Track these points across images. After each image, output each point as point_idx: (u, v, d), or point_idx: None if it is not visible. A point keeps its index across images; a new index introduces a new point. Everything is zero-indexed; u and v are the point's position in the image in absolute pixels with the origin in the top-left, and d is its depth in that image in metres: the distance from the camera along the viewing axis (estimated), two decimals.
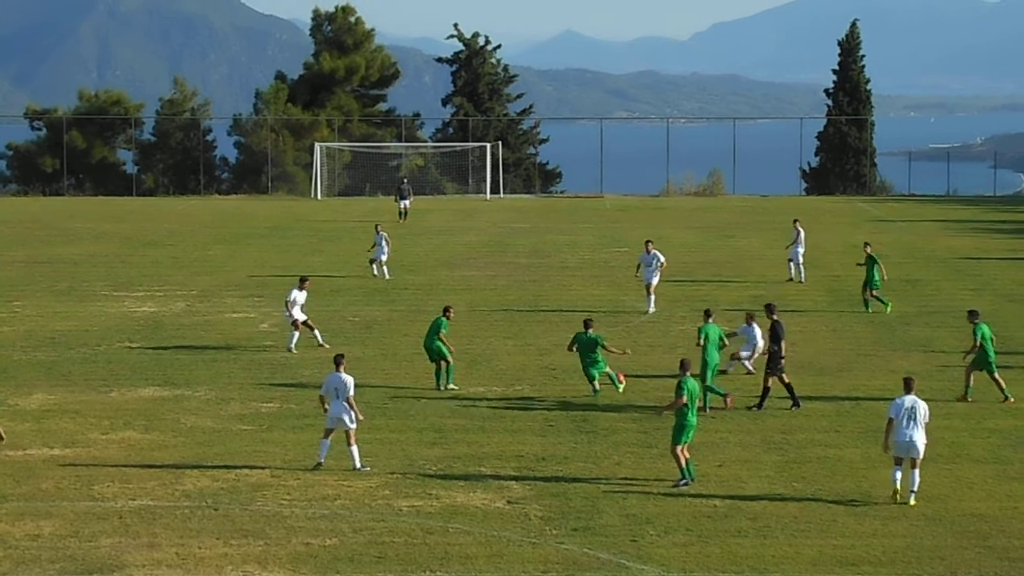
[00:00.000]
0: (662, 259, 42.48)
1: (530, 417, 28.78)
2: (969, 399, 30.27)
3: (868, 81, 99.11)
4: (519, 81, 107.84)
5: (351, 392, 24.66)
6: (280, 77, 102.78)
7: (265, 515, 22.17)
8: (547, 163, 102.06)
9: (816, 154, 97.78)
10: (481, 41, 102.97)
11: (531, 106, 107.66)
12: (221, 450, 26.07)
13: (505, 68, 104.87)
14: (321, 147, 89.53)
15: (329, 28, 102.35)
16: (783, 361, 29.52)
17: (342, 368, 24.84)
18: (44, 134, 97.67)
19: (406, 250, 58.00)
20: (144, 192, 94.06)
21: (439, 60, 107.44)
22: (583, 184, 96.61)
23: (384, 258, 49.96)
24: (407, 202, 74.15)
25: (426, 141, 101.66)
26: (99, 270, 52.18)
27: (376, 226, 52.33)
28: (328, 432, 24.86)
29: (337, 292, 45.94)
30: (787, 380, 29.44)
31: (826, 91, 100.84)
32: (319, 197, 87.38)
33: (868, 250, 42.76)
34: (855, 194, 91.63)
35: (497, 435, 27.14)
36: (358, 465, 24.59)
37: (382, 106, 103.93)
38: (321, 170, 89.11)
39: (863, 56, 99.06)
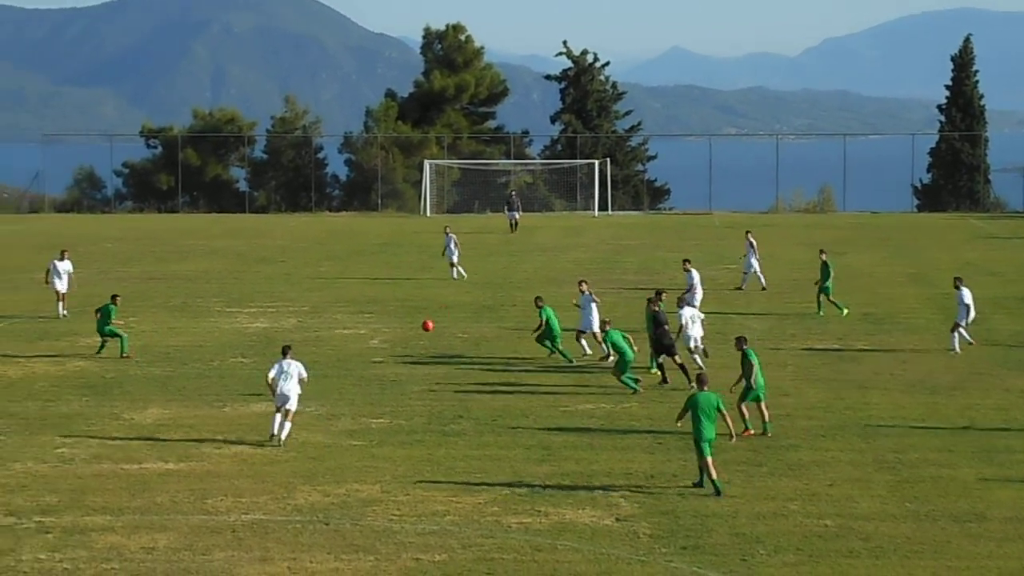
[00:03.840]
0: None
1: (639, 434, 28.72)
2: None
3: (982, 97, 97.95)
4: (627, 98, 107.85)
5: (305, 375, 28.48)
6: (390, 95, 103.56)
7: (375, 530, 22.32)
8: (655, 180, 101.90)
9: (928, 170, 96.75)
10: (590, 58, 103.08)
11: (639, 123, 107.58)
12: (332, 465, 26.28)
13: (614, 85, 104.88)
14: (430, 164, 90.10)
15: (439, 46, 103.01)
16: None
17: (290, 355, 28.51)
18: (160, 152, 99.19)
19: (515, 267, 58.17)
20: (256, 209, 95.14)
21: (548, 77, 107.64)
22: (691, 201, 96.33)
23: (455, 259, 52.39)
24: (517, 215, 74.80)
25: (534, 158, 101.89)
26: (212, 286, 52.85)
27: (445, 228, 54.27)
28: (278, 409, 27.98)
29: (446, 309, 46.15)
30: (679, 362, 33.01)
31: (939, 107, 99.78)
32: (428, 214, 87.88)
33: (823, 257, 44.54)
34: (968, 211, 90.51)
35: (606, 452, 27.12)
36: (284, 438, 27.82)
37: (491, 123, 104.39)
38: (430, 187, 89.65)
39: (976, 71, 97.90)
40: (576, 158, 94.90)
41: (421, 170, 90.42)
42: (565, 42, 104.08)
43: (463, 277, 53.54)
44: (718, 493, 24.13)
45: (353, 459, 26.75)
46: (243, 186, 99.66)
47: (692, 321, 35.02)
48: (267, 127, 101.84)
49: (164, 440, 28.32)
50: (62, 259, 45.33)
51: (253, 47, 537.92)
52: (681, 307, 35.74)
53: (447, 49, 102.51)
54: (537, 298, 37.20)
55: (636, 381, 32.54)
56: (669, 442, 27.95)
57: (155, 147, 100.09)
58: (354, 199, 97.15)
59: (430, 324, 33.84)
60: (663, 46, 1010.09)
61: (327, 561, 20.89)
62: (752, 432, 28.16)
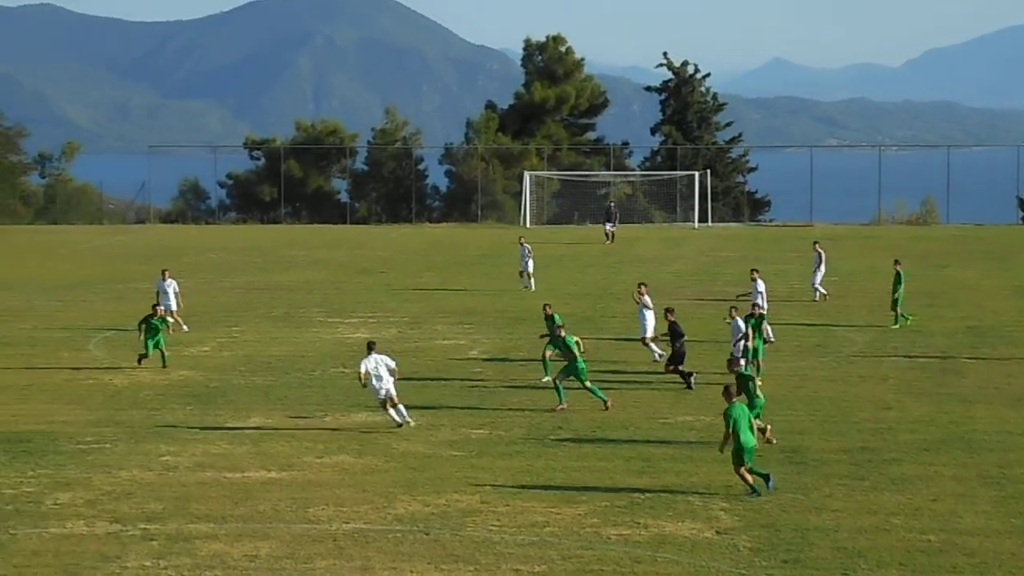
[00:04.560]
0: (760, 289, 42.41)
1: None
2: None
3: None
4: (728, 109, 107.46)
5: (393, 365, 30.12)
6: (491, 106, 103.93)
7: (475, 541, 22.39)
8: (755, 191, 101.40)
9: None
10: (690, 70, 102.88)
11: (740, 134, 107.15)
12: (432, 475, 26.40)
13: (714, 96, 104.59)
14: (530, 176, 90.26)
15: (540, 58, 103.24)
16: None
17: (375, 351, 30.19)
18: (263, 163, 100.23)
19: (614, 278, 58.12)
20: (357, 220, 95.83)
21: (648, 89, 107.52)
22: (792, 212, 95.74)
23: (530, 269, 52.92)
24: (613, 225, 74.96)
25: (634, 169, 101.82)
26: (314, 296, 53.28)
27: (520, 238, 54.69)
28: (383, 404, 29.87)
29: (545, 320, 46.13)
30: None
31: None
32: (528, 225, 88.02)
33: (897, 267, 44.76)
34: None
35: (706, 465, 27.01)
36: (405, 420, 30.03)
37: (591, 135, 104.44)
38: (530, 198, 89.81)
39: None
40: (676, 169, 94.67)
41: (521, 181, 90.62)
42: (665, 53, 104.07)
43: (530, 288, 53.80)
44: (757, 492, 24.60)
45: (453, 469, 26.85)
46: (344, 197, 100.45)
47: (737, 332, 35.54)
48: (368, 139, 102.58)
49: (266, 449, 28.60)
50: (164, 278, 45.58)
51: (355, 59, 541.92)
52: (735, 317, 35.96)
53: (547, 61, 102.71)
54: (546, 305, 37.53)
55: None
56: (769, 454, 27.78)
57: (258, 158, 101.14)
58: (454, 210, 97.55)
59: None
60: (764, 57, 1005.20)
61: (427, 571, 20.98)
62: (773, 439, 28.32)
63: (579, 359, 32.00)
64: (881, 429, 29.72)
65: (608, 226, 76.14)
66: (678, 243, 76.14)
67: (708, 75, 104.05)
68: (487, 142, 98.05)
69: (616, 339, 41.70)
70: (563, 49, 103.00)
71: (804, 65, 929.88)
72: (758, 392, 28.17)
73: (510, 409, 32.24)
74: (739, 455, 24.73)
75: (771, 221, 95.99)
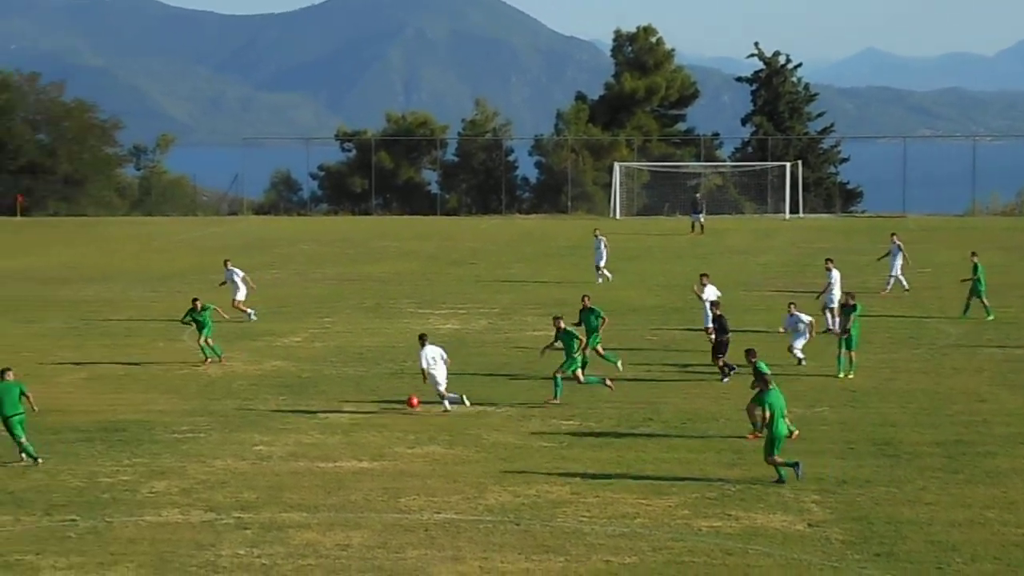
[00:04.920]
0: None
1: (830, 439, 28.42)
2: None
3: None
4: (819, 99, 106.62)
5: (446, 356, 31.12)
6: (580, 97, 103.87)
7: (565, 531, 22.43)
8: (847, 182, 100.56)
9: None
10: (782, 60, 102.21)
11: (831, 125, 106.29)
12: (522, 466, 26.46)
13: (806, 86, 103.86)
14: (620, 167, 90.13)
15: (630, 48, 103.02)
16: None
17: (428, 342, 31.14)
18: (354, 155, 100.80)
19: (704, 269, 57.80)
20: (448, 211, 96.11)
21: (739, 79, 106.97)
22: (885, 203, 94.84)
23: (602, 263, 52.81)
24: (701, 216, 74.84)
25: (724, 160, 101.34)
26: (405, 287, 53.53)
27: (595, 231, 54.76)
28: (439, 394, 30.90)
29: (635, 311, 46.15)
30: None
31: None
32: (618, 216, 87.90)
33: (974, 259, 44.35)
34: None
35: (797, 456, 26.85)
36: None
37: (681, 126, 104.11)
38: (620, 190, 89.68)
39: None
40: (767, 160, 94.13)
41: (611, 172, 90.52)
42: (757, 44, 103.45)
43: (607, 278, 53.67)
44: (783, 480, 24.89)
45: (543, 460, 26.91)
46: (435, 188, 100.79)
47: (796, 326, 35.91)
48: (458, 130, 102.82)
49: (358, 439, 28.80)
50: (228, 268, 45.93)
51: (445, 51, 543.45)
52: (793, 312, 36.18)
53: (638, 51, 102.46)
54: (584, 296, 36.94)
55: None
56: (862, 447, 27.62)
57: (349, 150, 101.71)
58: (544, 201, 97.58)
59: (415, 401, 32.49)
60: (857, 46, 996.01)
61: (518, 561, 21.05)
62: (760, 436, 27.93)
63: (576, 354, 32.01)
64: (975, 422, 29.45)
65: (695, 217, 75.98)
66: (768, 234, 75.72)
67: (799, 65, 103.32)
68: (577, 133, 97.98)
69: (705, 330, 41.46)
70: (653, 40, 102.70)
71: (897, 54, 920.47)
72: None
73: (600, 401, 32.23)
74: (772, 444, 24.94)
75: (863, 212, 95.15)
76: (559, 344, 32.94)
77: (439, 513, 23.48)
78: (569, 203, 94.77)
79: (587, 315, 35.21)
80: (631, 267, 57.93)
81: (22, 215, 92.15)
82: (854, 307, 35.24)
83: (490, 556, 21.24)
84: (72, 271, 60.26)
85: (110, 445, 28.32)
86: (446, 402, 31.17)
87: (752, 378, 27.78)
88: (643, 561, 21.01)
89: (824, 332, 39.04)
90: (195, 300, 37.92)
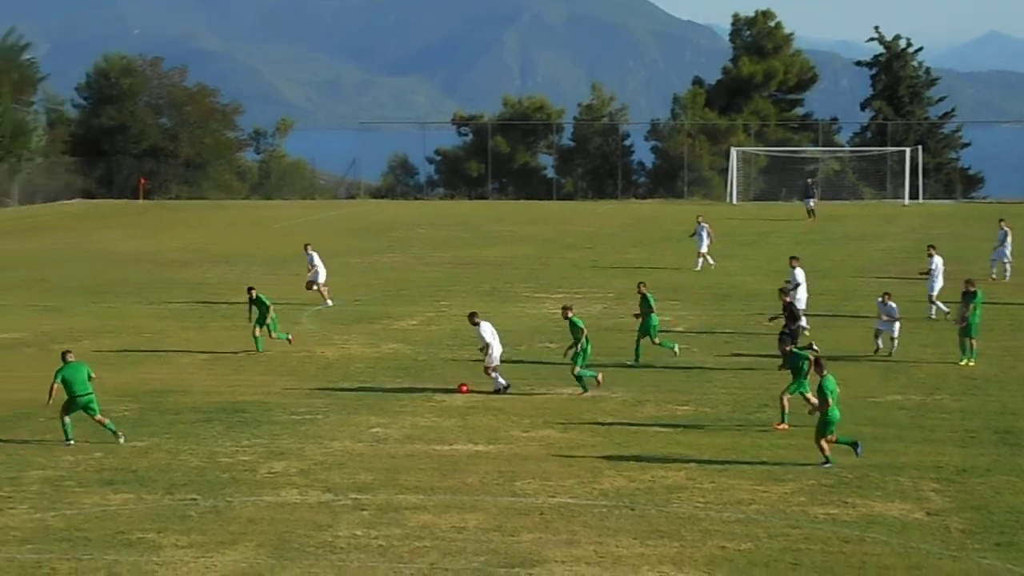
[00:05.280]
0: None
1: (949, 427, 28.12)
2: None
3: None
4: (940, 84, 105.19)
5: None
6: (697, 82, 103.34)
7: (680, 517, 22.41)
8: (968, 167, 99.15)
9: None
10: (902, 43, 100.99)
11: (953, 109, 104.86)
12: (637, 451, 26.46)
13: (926, 71, 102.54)
14: (737, 152, 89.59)
15: (748, 33, 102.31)
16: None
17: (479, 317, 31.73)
18: (470, 139, 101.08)
19: (822, 255, 57.41)
20: (563, 196, 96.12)
21: (858, 64, 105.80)
22: (1008, 189, 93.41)
23: (704, 249, 52.58)
24: (812, 201, 74.30)
25: (843, 145, 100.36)
26: (520, 272, 53.63)
27: (698, 217, 54.50)
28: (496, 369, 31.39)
29: (752, 296, 45.89)
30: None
31: None
32: (734, 202, 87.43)
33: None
34: None
35: (915, 445, 26.64)
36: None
37: (799, 110, 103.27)
38: (736, 175, 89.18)
39: None
40: (886, 145, 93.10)
41: (727, 158, 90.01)
42: (877, 27, 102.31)
43: (710, 266, 53.50)
44: (830, 463, 25.06)
45: (658, 445, 26.88)
46: (551, 173, 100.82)
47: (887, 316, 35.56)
48: (574, 115, 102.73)
49: (473, 422, 28.95)
50: (307, 251, 46.19)
51: (562, 36, 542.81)
52: (886, 301, 35.68)
53: (756, 35, 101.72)
54: (640, 284, 36.29)
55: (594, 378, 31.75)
56: (982, 435, 27.30)
57: (466, 134, 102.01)
58: (660, 186, 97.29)
59: (464, 388, 32.26)
60: (979, 30, 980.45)
61: (633, 546, 21.06)
62: (787, 426, 27.85)
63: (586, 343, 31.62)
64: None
65: (807, 202, 75.41)
66: (888, 220, 74.90)
67: (920, 49, 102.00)
68: (694, 118, 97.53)
69: (824, 315, 41.19)
70: (772, 24, 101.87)
71: (1021, 38, 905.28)
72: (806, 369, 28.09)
73: (715, 386, 32.14)
74: (825, 426, 25.05)
75: (984, 198, 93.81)
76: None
77: (554, 497, 23.55)
78: (685, 188, 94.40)
79: (643, 302, 35.38)
80: (747, 252, 57.56)
81: (145, 198, 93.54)
82: (974, 294, 34.78)
83: (605, 540, 21.27)
84: (194, 253, 61.10)
85: (230, 426, 28.71)
86: (499, 378, 31.55)
87: (782, 363, 29.00)
88: (759, 548, 20.93)
89: (932, 318, 38.90)
90: (250, 289, 37.60)
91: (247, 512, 22.72)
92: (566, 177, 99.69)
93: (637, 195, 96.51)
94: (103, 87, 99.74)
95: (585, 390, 31.44)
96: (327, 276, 45.70)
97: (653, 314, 35.17)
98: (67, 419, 27.08)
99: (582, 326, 31.38)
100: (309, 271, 45.55)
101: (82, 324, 41.33)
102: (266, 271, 54.49)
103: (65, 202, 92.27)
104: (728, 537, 21.38)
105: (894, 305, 35.56)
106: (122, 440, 27.09)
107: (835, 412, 25.13)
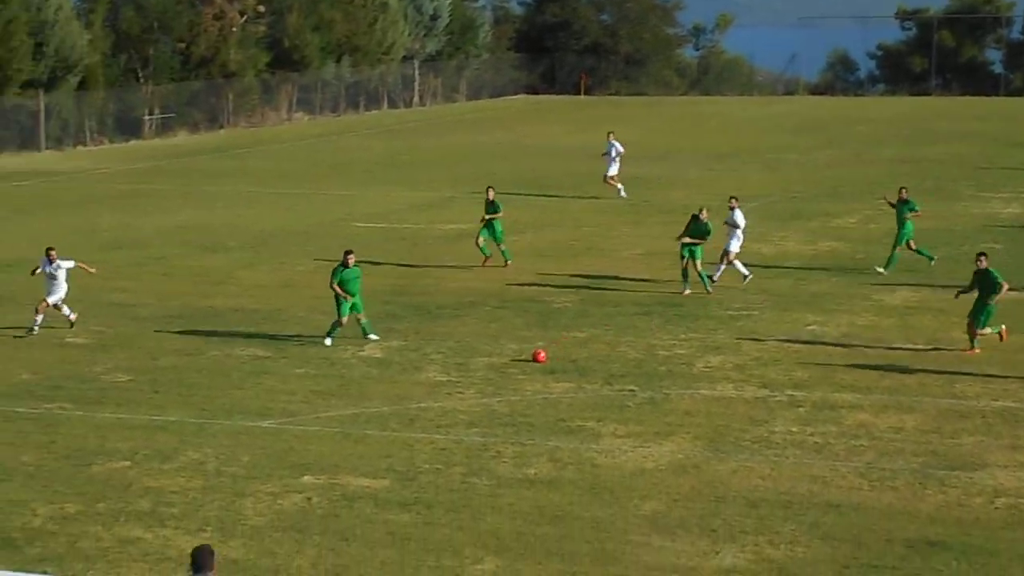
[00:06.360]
0: None
1: None
2: None
3: None
4: None
5: None
6: None
7: None
8: None
9: None
10: None
11: None
12: None
13: None
14: None
15: None
16: None
17: None
18: (913, 34, 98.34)
19: None
20: (1012, 92, 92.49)
21: None
22: None
23: None
24: None
25: None
26: (964, 170, 52.11)
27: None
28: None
29: None
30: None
31: None
32: None
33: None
34: None
35: None
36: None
37: None
38: None
39: None
40: None
41: None
42: None
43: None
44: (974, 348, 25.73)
45: None
46: (998, 68, 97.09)
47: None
48: None
49: (912, 322, 28.45)
50: (610, 141, 46.87)
51: None
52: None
53: None
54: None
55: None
56: None
57: (909, 29, 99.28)
58: None
59: (542, 355, 28.22)
60: None
61: None
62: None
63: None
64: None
65: None
66: None
67: None
68: None
69: None
70: None
71: None
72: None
73: None
74: (987, 316, 25.85)
75: None
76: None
77: (996, 401, 22.97)
78: None
79: (901, 207, 33.75)
80: None
81: (586, 94, 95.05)
82: None
83: None
84: (632, 148, 61.70)
85: (667, 320, 29.11)
86: (740, 266, 32.30)
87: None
88: None
89: None
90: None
91: (684, 404, 23.06)
92: (1015, 72, 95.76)
93: None
94: None
95: (708, 288, 31.30)
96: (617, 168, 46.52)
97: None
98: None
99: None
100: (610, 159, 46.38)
101: (525, 216, 42.45)
102: (703, 168, 54.67)
103: (510, 97, 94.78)
104: None
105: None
106: (373, 338, 27.38)
107: (993, 306, 26.03)
